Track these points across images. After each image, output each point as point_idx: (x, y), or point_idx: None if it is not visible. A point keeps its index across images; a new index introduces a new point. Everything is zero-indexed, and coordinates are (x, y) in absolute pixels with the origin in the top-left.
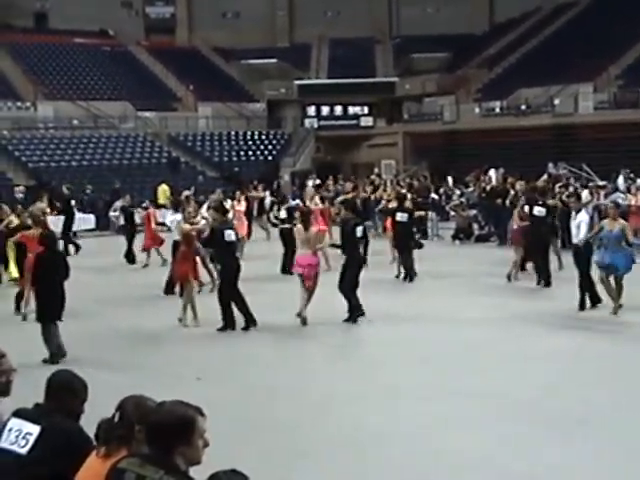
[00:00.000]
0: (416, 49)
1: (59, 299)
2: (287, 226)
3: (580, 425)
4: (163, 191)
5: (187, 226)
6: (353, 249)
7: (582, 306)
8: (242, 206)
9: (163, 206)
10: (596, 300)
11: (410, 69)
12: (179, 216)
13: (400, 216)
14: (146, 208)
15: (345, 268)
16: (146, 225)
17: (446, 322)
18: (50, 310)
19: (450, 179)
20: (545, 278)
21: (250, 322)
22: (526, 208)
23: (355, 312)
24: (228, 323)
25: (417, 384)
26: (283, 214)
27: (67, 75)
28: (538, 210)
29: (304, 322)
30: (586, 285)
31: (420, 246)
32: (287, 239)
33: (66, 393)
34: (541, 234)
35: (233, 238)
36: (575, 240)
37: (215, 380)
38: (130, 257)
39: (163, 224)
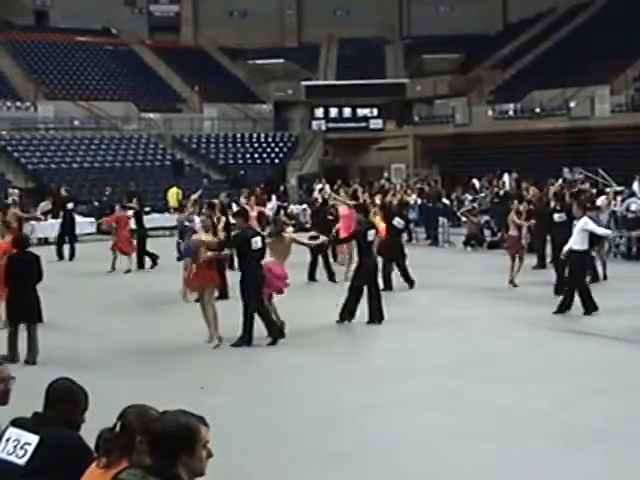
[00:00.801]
0: (427, 49)
1: (32, 302)
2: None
3: (595, 438)
4: (173, 194)
5: (198, 238)
6: (363, 253)
7: (560, 309)
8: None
9: (175, 209)
10: (593, 307)
11: (421, 70)
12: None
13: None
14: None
15: (356, 272)
16: (121, 229)
17: (458, 331)
18: (24, 312)
19: (476, 182)
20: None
21: (275, 334)
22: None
23: (345, 315)
24: (246, 338)
25: (428, 395)
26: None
27: (68, 74)
28: (558, 216)
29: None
30: (583, 294)
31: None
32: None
33: (66, 402)
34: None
35: (260, 245)
36: (576, 247)
37: (220, 389)
38: (139, 261)
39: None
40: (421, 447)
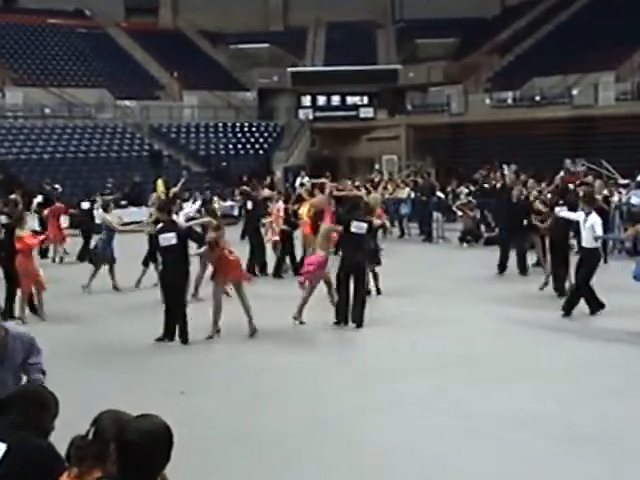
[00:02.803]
0: (421, 34)
1: None
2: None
3: (595, 440)
4: (159, 186)
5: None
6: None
7: (568, 312)
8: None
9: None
10: (598, 306)
11: (414, 56)
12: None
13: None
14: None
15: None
16: (51, 220)
17: (454, 331)
18: None
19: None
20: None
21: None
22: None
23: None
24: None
25: (423, 396)
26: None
27: (39, 59)
28: (559, 210)
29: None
30: (585, 293)
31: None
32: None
33: (35, 406)
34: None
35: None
36: (587, 244)
37: (205, 392)
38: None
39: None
40: (417, 449)
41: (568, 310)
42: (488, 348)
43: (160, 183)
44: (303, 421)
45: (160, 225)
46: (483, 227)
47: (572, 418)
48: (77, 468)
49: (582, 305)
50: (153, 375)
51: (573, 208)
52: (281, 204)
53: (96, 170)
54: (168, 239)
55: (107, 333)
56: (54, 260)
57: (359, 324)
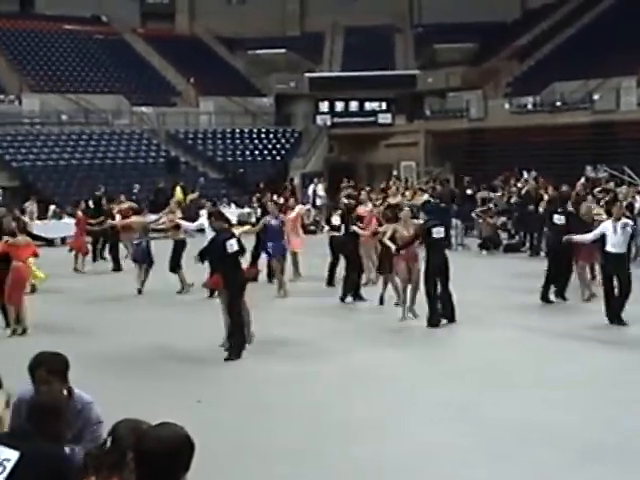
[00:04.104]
0: (439, 39)
1: None
2: (338, 234)
3: (615, 454)
4: (179, 192)
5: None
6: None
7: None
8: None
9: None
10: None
11: (433, 61)
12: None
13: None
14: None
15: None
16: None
17: (472, 340)
18: None
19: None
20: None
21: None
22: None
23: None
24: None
25: (439, 408)
26: (336, 220)
27: (55, 65)
28: (558, 218)
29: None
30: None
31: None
32: (338, 248)
33: (51, 415)
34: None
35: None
36: (620, 250)
37: (218, 402)
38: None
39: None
40: (430, 464)
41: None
42: (509, 357)
43: (179, 190)
44: (317, 434)
45: (220, 232)
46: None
47: (587, 429)
48: (94, 477)
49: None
50: (169, 384)
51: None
52: (300, 210)
53: (112, 177)
54: (232, 245)
55: (123, 342)
56: (77, 269)
57: (451, 319)
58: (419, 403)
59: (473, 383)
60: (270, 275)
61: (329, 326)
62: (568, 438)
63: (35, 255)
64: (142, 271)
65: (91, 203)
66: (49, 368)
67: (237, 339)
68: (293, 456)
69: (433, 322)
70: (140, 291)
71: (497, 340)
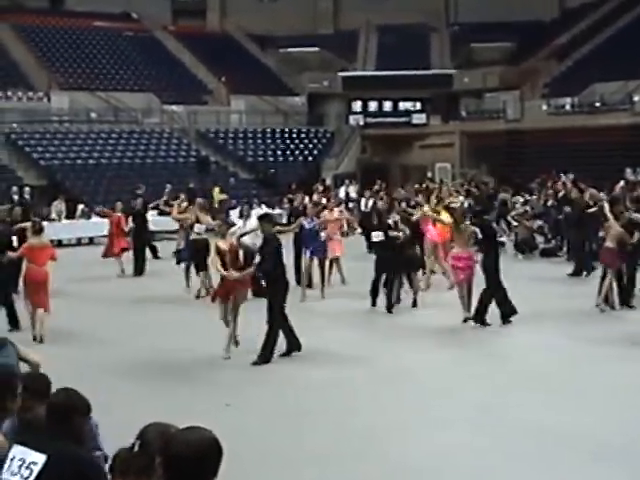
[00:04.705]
0: (476, 38)
1: None
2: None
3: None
4: (217, 194)
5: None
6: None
7: None
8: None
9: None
10: None
11: (469, 60)
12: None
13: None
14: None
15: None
16: (115, 231)
17: (506, 348)
18: None
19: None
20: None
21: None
22: None
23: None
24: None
25: (472, 416)
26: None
27: (85, 63)
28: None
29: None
30: None
31: None
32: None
33: (75, 415)
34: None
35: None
36: None
37: (245, 407)
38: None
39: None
40: (461, 473)
41: None
42: (544, 366)
43: (217, 191)
44: (344, 438)
45: (269, 237)
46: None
47: (615, 435)
48: None
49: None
50: (197, 388)
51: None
52: (339, 212)
53: (142, 176)
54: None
55: (154, 345)
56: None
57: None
58: (445, 405)
59: (502, 385)
60: (301, 277)
61: (361, 330)
62: (591, 443)
63: (53, 259)
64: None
65: (138, 203)
66: (31, 390)
67: (270, 344)
68: (320, 461)
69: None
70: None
71: (532, 345)
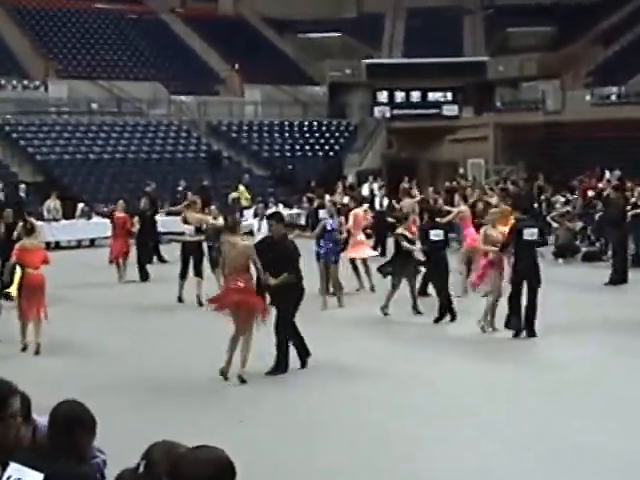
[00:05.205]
0: (512, 22)
1: None
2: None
3: None
4: (241, 192)
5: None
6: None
7: None
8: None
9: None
10: None
11: (505, 46)
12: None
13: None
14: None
15: None
16: (120, 232)
17: (546, 357)
18: None
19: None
20: None
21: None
22: None
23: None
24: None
25: (498, 433)
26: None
27: (85, 48)
28: None
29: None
30: None
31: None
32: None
33: (77, 430)
34: None
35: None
36: None
37: (257, 421)
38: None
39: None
40: None
41: None
42: (580, 376)
43: (242, 189)
44: (358, 453)
45: (280, 237)
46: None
47: None
48: None
49: None
50: (208, 402)
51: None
52: (360, 212)
53: (147, 172)
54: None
55: (158, 356)
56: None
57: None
58: (469, 421)
59: (532, 401)
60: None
61: (381, 341)
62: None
63: (45, 262)
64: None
65: (145, 202)
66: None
67: (283, 354)
68: (333, 476)
69: (514, 331)
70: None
71: (574, 358)
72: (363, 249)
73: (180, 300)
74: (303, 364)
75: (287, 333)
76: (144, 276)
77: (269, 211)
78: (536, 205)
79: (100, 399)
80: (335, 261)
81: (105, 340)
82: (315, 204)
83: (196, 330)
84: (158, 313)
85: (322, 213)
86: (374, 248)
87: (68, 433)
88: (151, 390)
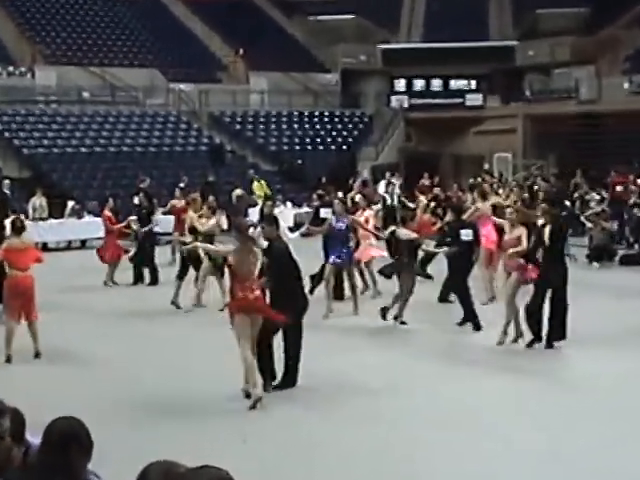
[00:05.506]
0: (543, 2)
1: None
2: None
3: None
4: (259, 188)
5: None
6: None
7: None
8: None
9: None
10: None
11: (535, 29)
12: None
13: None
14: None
15: None
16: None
17: (572, 376)
18: None
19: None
20: None
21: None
22: None
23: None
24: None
25: (529, 465)
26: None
27: (76, 32)
28: None
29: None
30: None
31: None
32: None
33: (73, 448)
34: None
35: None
36: None
37: (264, 443)
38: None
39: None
40: None
41: None
42: (616, 394)
43: (257, 185)
44: (361, 475)
45: (273, 241)
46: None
47: None
48: None
49: None
50: (209, 419)
51: None
52: (371, 212)
53: (143, 167)
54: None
55: (155, 369)
56: (106, 283)
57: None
58: (494, 449)
59: (567, 424)
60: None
61: (392, 352)
62: None
63: (38, 261)
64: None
65: (137, 200)
66: None
67: (293, 366)
68: None
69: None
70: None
71: (605, 372)
72: (373, 251)
73: (174, 305)
74: (278, 386)
75: (298, 346)
76: (154, 279)
77: (277, 210)
78: (569, 203)
79: (94, 415)
80: (351, 263)
81: (99, 349)
82: (318, 202)
83: (194, 338)
84: (154, 319)
85: (324, 212)
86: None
87: (63, 451)
88: (149, 405)
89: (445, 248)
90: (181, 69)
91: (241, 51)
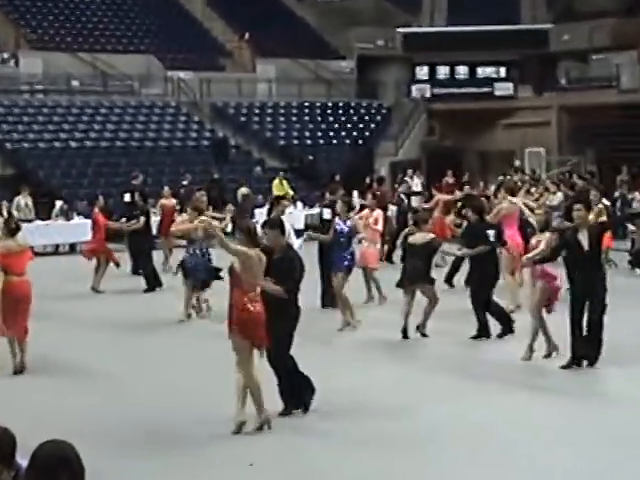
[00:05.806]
0: None
1: None
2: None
3: None
4: (278, 187)
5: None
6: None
7: None
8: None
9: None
10: None
11: (571, 12)
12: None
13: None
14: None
15: None
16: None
17: (605, 396)
18: None
19: None
20: None
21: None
22: None
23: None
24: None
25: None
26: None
27: (64, 14)
28: None
29: None
30: None
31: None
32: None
33: (64, 474)
34: None
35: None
36: None
37: (271, 466)
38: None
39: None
40: None
41: None
42: None
43: (278, 185)
44: None
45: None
46: None
47: None
48: None
49: None
50: (210, 442)
51: None
52: (379, 213)
53: (138, 163)
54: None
55: (160, 390)
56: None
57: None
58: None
59: (599, 452)
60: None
61: (412, 366)
62: None
63: (30, 259)
64: (189, 289)
65: (128, 197)
66: None
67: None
68: None
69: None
70: (189, 316)
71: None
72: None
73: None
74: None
75: (286, 366)
76: (155, 284)
77: (287, 210)
78: (608, 203)
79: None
80: (348, 271)
81: (92, 364)
82: (324, 201)
83: (197, 350)
84: (151, 330)
85: (326, 213)
86: (389, 254)
87: (52, 475)
88: (147, 428)
89: (465, 250)
90: (180, 55)
91: (246, 35)
